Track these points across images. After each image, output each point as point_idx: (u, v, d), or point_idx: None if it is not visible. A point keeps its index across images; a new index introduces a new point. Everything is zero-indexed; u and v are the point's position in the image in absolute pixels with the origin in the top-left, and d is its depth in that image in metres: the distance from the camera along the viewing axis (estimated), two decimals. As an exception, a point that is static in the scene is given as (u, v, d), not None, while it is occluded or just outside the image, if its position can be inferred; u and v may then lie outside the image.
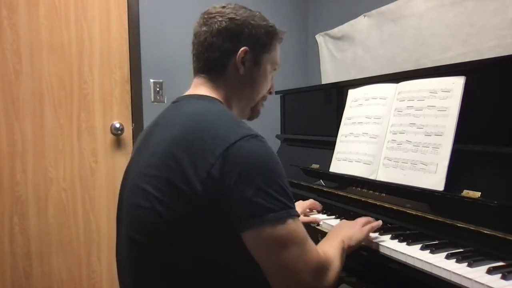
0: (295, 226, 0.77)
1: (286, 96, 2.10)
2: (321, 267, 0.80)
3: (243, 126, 0.81)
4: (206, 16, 0.94)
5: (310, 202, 1.40)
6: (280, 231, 0.74)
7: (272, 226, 0.74)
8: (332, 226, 1.21)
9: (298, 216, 0.79)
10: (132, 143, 2.24)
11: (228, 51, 0.92)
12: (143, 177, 0.83)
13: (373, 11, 2.08)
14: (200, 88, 0.94)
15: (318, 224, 1.28)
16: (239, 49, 0.92)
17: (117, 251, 0.94)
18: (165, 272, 0.79)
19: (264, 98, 1.04)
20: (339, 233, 0.99)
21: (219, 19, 0.91)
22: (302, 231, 0.79)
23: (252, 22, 0.93)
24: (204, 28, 0.93)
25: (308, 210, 1.39)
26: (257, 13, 0.96)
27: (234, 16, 0.92)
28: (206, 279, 0.79)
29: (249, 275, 0.81)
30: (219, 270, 0.79)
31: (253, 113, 1.04)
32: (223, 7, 0.94)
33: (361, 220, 1.08)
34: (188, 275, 0.79)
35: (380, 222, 1.09)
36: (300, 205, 1.36)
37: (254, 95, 1.00)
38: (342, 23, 2.32)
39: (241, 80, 0.95)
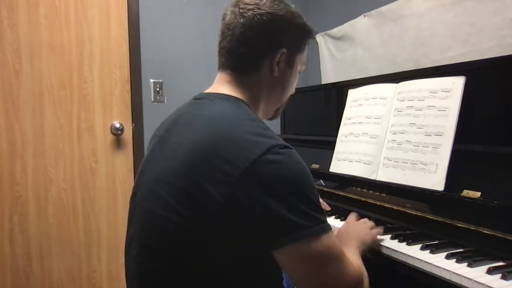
0: (331, 241, 0.73)
1: (286, 96, 2.09)
2: (359, 281, 0.78)
3: (268, 135, 0.75)
4: (242, 7, 0.85)
5: None
6: (316, 248, 0.71)
7: (307, 244, 0.70)
8: (332, 226, 1.22)
9: (331, 229, 0.75)
10: (132, 143, 2.24)
11: (264, 49, 0.86)
12: (160, 182, 0.78)
13: (373, 11, 2.08)
14: (225, 85, 0.88)
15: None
16: (276, 49, 0.86)
17: (125, 249, 0.90)
18: (173, 280, 0.77)
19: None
20: (353, 236, 0.97)
21: (258, 12, 0.84)
22: (337, 245, 0.76)
23: (292, 19, 0.88)
24: (241, 20, 0.84)
25: None
26: (295, 10, 0.90)
27: (274, 11, 0.85)
28: None
29: None
30: (230, 283, 0.76)
31: (276, 114, 0.99)
32: None
33: (369, 222, 1.08)
34: (196, 285, 0.76)
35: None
36: None
37: (283, 97, 0.95)
38: (342, 23, 2.31)
39: (273, 82, 0.89)
